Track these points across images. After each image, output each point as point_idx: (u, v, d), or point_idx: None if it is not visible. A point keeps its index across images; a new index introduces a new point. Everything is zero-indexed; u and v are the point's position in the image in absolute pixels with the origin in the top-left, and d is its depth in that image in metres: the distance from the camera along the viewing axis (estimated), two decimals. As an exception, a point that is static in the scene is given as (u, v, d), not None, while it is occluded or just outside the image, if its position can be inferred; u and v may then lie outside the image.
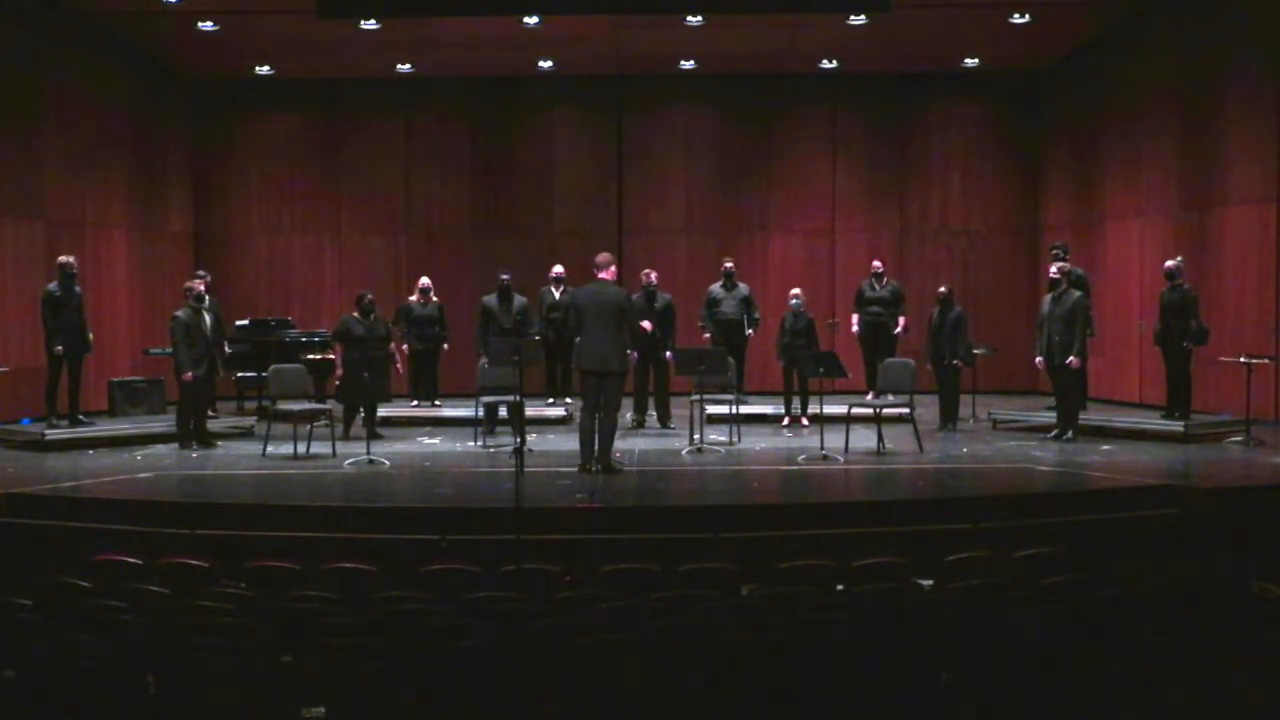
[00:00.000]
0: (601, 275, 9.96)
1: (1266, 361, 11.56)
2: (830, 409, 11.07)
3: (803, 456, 10.73)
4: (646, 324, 12.18)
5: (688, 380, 11.97)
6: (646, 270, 13.32)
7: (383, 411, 12.46)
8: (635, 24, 14.47)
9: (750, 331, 13.99)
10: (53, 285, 11.79)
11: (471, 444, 11.70)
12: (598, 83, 17.06)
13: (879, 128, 17.25)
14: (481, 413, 11.92)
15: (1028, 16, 13.97)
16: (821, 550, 7.30)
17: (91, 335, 12.14)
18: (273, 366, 11.65)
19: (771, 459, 10.87)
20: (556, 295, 13.93)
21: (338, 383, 12.16)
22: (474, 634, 5.15)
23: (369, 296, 12.39)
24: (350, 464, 10.31)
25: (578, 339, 9.84)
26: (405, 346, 13.87)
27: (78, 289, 11.88)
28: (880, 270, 14.44)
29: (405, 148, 17.29)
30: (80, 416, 12.07)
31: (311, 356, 13.43)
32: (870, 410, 11.64)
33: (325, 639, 5.05)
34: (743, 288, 14.10)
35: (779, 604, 5.81)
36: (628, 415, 12.83)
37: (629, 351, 12.50)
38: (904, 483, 9.83)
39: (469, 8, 13.12)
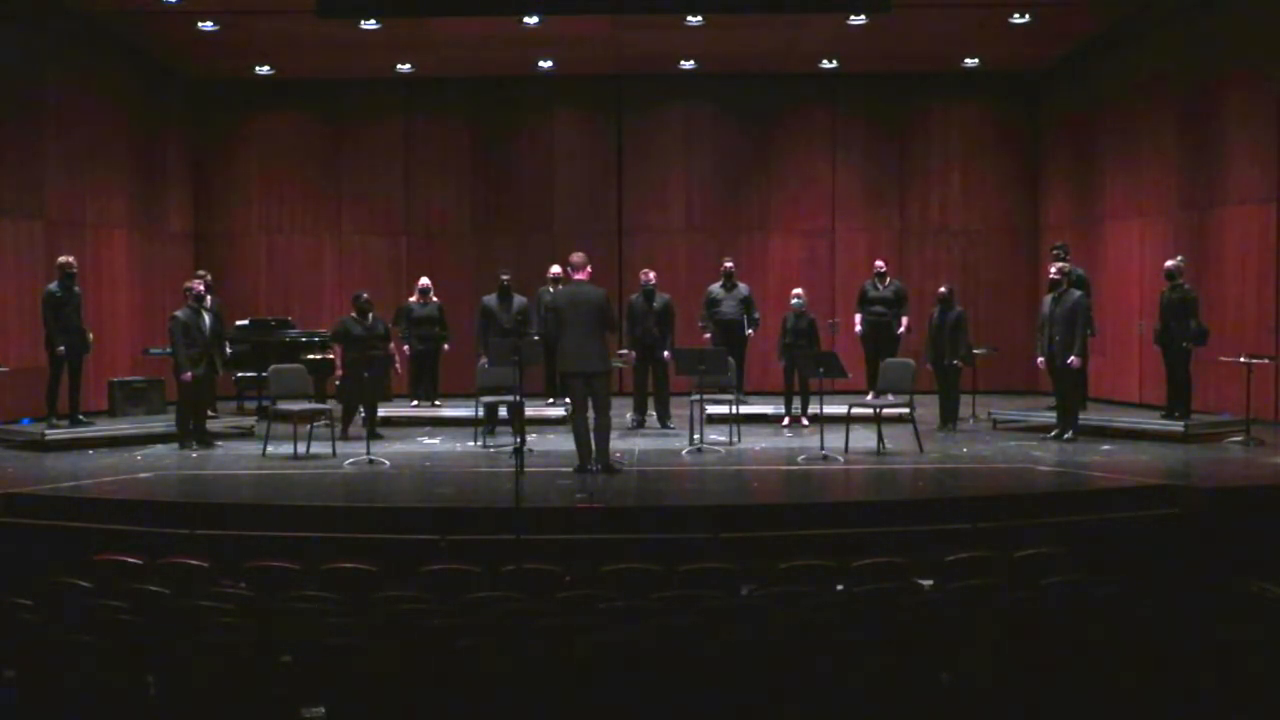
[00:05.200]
0: (578, 276, 9.96)
1: (1266, 361, 11.56)
2: (830, 409, 11.07)
3: (803, 456, 10.72)
4: (631, 358, 12.37)
5: (688, 380, 11.96)
6: (645, 270, 13.32)
7: (383, 411, 12.46)
8: (635, 24, 14.46)
9: (750, 331, 14.00)
10: (53, 285, 11.79)
11: (471, 444, 11.70)
12: (598, 83, 17.06)
13: (879, 128, 17.25)
14: (481, 413, 11.92)
15: (1028, 16, 13.97)
16: (821, 550, 7.30)
17: (91, 335, 12.14)
18: (273, 366, 11.64)
19: (771, 459, 10.87)
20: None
21: (338, 383, 12.17)
22: (474, 634, 5.15)
23: (365, 296, 12.40)
24: (350, 464, 10.31)
25: (560, 341, 9.82)
26: (405, 347, 13.87)
27: (78, 289, 11.88)
28: (883, 270, 14.45)
29: (405, 148, 17.28)
30: (80, 416, 12.07)
31: (311, 356, 13.42)
32: (870, 410, 11.64)
33: (325, 639, 5.05)
34: (742, 288, 14.11)
35: (779, 604, 5.81)
36: (627, 415, 12.84)
37: (626, 351, 12.55)
38: (904, 483, 9.84)
39: (469, 8, 13.11)
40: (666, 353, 12.54)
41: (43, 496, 8.99)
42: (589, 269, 10.09)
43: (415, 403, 13.89)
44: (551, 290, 13.64)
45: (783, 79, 17.01)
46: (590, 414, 9.80)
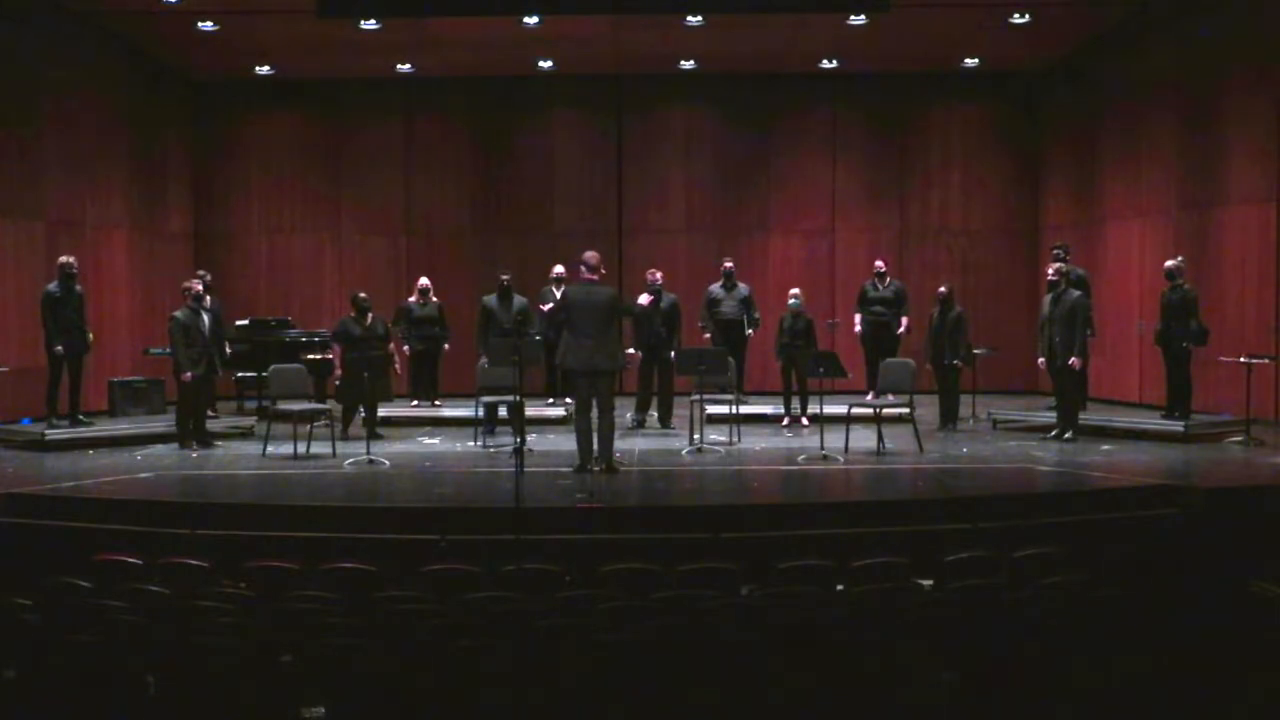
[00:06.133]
0: (591, 276, 9.96)
1: (1266, 361, 11.56)
2: (830, 409, 11.07)
3: (803, 456, 10.72)
4: (645, 298, 11.86)
5: (688, 380, 11.96)
6: (651, 270, 13.30)
7: (383, 411, 12.45)
8: (635, 24, 14.46)
9: (750, 331, 14.00)
10: (53, 285, 11.79)
11: (471, 444, 11.70)
12: (598, 83, 17.06)
13: (879, 128, 17.25)
14: (481, 413, 11.92)
15: (1028, 16, 13.97)
16: (821, 550, 7.30)
17: (91, 335, 12.14)
18: (273, 366, 11.64)
19: (771, 459, 10.87)
20: (557, 295, 13.90)
21: (337, 383, 12.17)
22: (474, 634, 5.16)
23: (363, 295, 12.41)
24: (350, 464, 10.31)
25: (566, 337, 9.82)
26: (405, 347, 13.86)
27: (78, 289, 11.88)
28: (883, 270, 14.44)
29: (405, 148, 17.29)
30: (80, 416, 12.07)
31: (311, 356, 13.44)
32: (870, 410, 11.64)
33: (325, 639, 5.05)
34: (743, 288, 14.11)
35: (779, 604, 5.81)
36: (628, 415, 12.83)
37: (631, 351, 12.54)
38: (904, 483, 9.83)
39: (469, 8, 13.12)
40: (673, 352, 12.51)
41: (43, 496, 8.98)
42: (603, 272, 10.12)
43: (415, 403, 13.89)
44: (554, 290, 13.65)
45: (783, 79, 17.01)
46: (593, 413, 9.81)
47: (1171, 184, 14.16)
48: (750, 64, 16.47)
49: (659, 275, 13.09)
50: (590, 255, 10.07)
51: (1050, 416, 11.97)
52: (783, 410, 13.05)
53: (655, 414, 12.86)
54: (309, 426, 11.27)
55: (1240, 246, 12.98)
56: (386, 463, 10.40)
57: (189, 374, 11.21)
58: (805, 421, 12.69)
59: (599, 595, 5.96)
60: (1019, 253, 17.14)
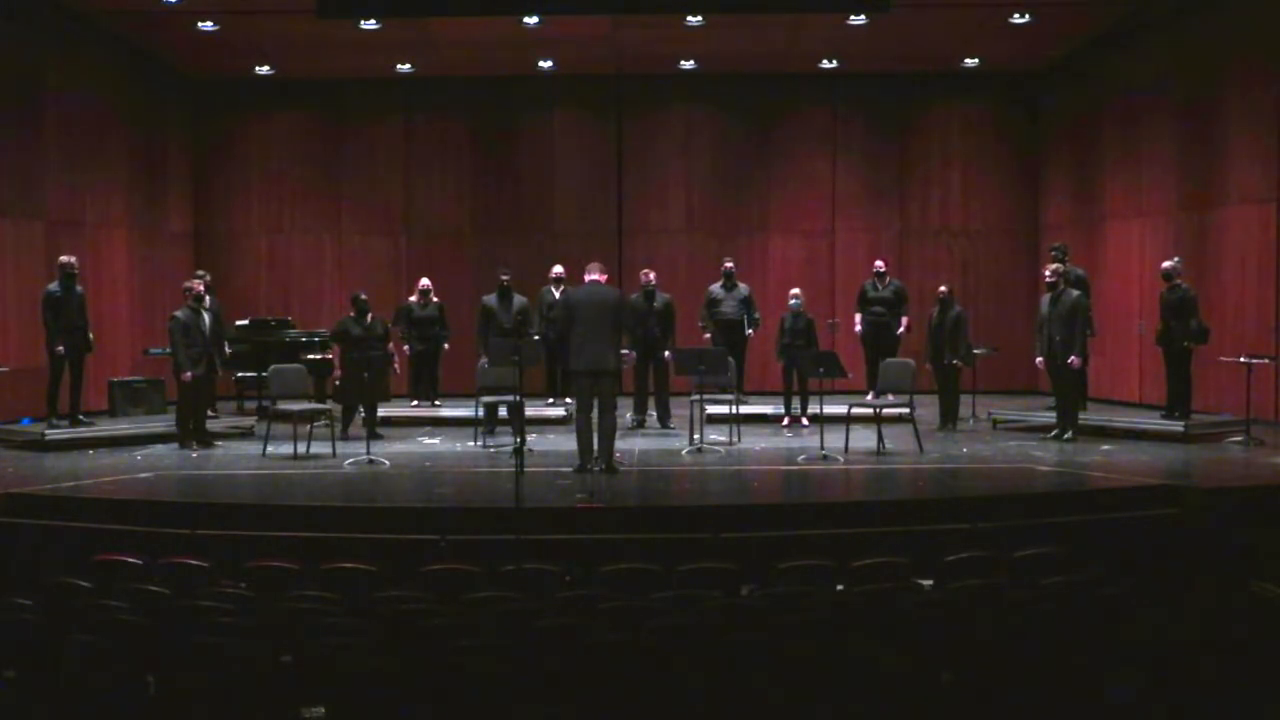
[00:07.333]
0: (594, 277, 9.98)
1: (1266, 361, 11.56)
2: (830, 409, 11.07)
3: (803, 456, 10.73)
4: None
5: (688, 380, 11.96)
6: (645, 270, 13.31)
7: (383, 411, 12.45)
8: (635, 24, 14.46)
9: (750, 331, 14.00)
10: (53, 285, 11.79)
11: (471, 444, 11.70)
12: (598, 83, 17.02)
13: (879, 128, 17.25)
14: (481, 413, 11.92)
15: (1028, 16, 13.97)
16: (821, 550, 7.30)
17: (93, 335, 12.14)
18: (273, 366, 11.65)
19: (771, 459, 10.87)
20: (556, 295, 13.89)
21: (337, 383, 12.18)
22: (474, 634, 5.15)
23: (363, 296, 12.42)
24: (350, 464, 10.31)
25: (572, 338, 9.83)
26: (406, 347, 13.86)
27: (79, 289, 11.88)
28: (883, 270, 14.44)
29: (405, 148, 17.29)
30: (80, 416, 12.07)
31: (311, 356, 13.44)
32: (870, 410, 11.64)
33: (325, 639, 5.05)
34: (743, 288, 14.11)
35: (779, 604, 5.81)
36: (627, 415, 12.84)
37: (627, 351, 12.54)
38: (904, 483, 9.83)
39: (469, 8, 13.11)
40: (667, 352, 12.53)
41: (43, 496, 8.98)
42: (605, 275, 10.17)
43: (415, 403, 13.89)
44: (554, 290, 13.66)
45: (783, 79, 17.00)
46: (594, 413, 9.81)
47: (1171, 184, 14.16)
48: (750, 64, 16.47)
49: (652, 275, 13.09)
50: (593, 264, 10.14)
51: (1050, 416, 11.97)
52: (783, 410, 13.06)
53: (654, 414, 12.86)
54: (309, 426, 11.27)
55: (1240, 246, 12.98)
56: (386, 463, 10.40)
57: (189, 374, 11.21)
58: (805, 421, 12.68)
59: (599, 595, 5.96)
60: (1019, 253, 17.14)
